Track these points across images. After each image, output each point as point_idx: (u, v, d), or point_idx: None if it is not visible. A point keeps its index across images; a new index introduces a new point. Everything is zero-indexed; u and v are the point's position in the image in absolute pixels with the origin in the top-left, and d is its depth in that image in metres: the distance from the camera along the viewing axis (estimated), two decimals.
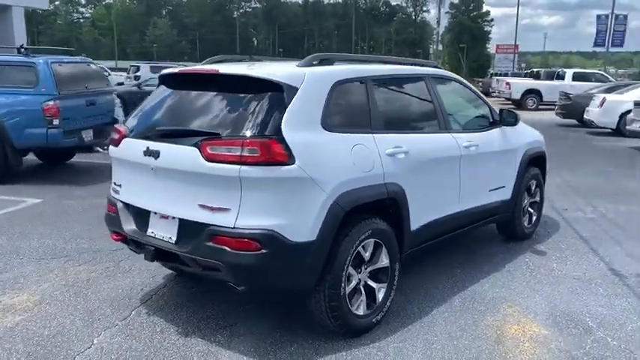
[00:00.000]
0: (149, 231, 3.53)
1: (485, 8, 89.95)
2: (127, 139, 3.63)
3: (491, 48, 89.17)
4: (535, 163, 5.57)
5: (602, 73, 26.21)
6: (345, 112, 3.58)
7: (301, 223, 3.12)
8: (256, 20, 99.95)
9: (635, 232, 6.00)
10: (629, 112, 14.39)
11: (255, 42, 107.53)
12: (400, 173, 3.67)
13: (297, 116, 3.19)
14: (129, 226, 3.63)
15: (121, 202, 3.71)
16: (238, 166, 3.02)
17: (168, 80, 3.84)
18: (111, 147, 3.80)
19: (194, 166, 3.16)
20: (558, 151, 10.76)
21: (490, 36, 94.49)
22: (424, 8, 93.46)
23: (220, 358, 3.29)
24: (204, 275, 3.40)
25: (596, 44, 36.28)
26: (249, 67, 3.61)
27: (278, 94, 3.22)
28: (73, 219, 6.17)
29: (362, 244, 3.44)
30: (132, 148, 3.55)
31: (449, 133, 4.37)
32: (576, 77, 24.01)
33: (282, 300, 3.98)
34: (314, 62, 3.57)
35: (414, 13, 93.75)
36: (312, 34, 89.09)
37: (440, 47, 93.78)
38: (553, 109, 23.24)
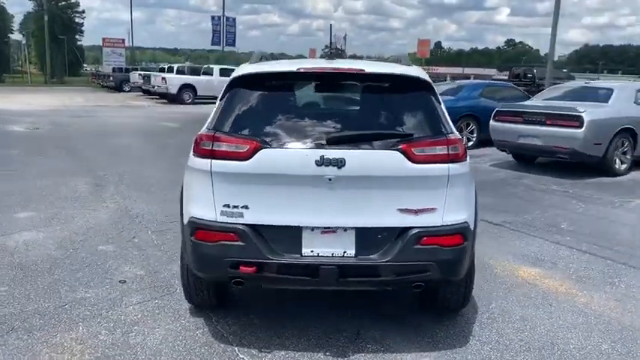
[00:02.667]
0: (305, 251, 3.10)
1: None
2: (267, 150, 3.03)
3: (83, 40, 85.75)
4: None
5: None
6: None
7: (472, 212, 3.39)
8: None
9: None
10: None
11: None
12: None
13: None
14: (269, 252, 3.08)
15: (248, 225, 3.09)
16: (447, 165, 3.10)
17: (273, 79, 3.33)
18: (223, 162, 3.08)
19: (397, 170, 3.03)
20: None
21: (83, 28, 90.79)
22: None
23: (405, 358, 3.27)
24: (392, 282, 3.22)
25: (213, 43, 39.81)
26: (380, 65, 3.52)
27: (429, 93, 3.35)
28: None
29: None
30: (288, 159, 3.02)
31: None
32: (222, 73, 26.22)
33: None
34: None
35: None
36: None
37: (22, 38, 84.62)
38: (207, 103, 24.99)
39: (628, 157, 9.16)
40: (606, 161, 8.83)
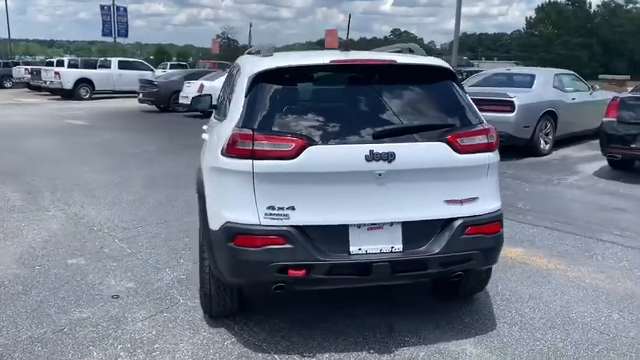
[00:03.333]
0: (354, 249, 3.02)
1: None
2: (314, 147, 2.89)
3: None
4: None
5: (141, 61, 27.87)
6: None
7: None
8: None
9: None
10: None
11: None
12: None
13: None
14: (318, 253, 2.96)
15: (294, 227, 2.94)
16: (487, 154, 3.15)
17: (303, 72, 3.18)
18: (267, 162, 2.89)
19: (444, 162, 3.03)
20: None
21: None
22: None
23: (451, 349, 3.30)
24: (437, 274, 3.21)
25: (103, 34, 37.51)
26: (403, 55, 3.47)
27: (456, 83, 3.37)
28: None
29: None
30: (336, 155, 2.90)
31: None
32: (122, 66, 24.86)
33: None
34: None
35: None
36: None
37: None
38: (107, 98, 23.61)
39: (550, 137, 9.87)
40: (533, 143, 9.46)
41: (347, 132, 3.00)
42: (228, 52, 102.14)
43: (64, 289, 4.09)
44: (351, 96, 3.16)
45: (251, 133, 2.93)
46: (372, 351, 3.26)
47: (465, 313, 3.73)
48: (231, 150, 2.96)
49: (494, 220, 3.21)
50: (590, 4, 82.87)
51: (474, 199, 3.14)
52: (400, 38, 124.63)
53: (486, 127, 3.19)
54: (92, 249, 4.97)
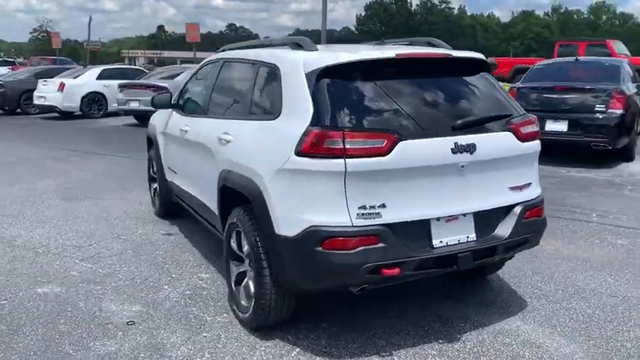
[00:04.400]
0: (436, 242, 3.03)
1: None
2: (405, 142, 2.83)
3: None
4: None
5: None
6: None
7: None
8: None
9: None
10: (90, 94, 15.37)
11: None
12: None
13: None
14: (407, 250, 2.92)
15: (386, 225, 2.87)
16: (537, 141, 3.37)
17: (369, 67, 3.08)
18: (360, 160, 2.77)
19: (511, 150, 3.18)
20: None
21: None
22: None
23: (506, 328, 3.47)
24: (491, 261, 3.34)
25: None
26: (446, 49, 3.51)
27: (492, 75, 3.54)
28: None
29: None
30: (426, 149, 2.88)
31: None
32: None
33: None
34: None
35: None
36: None
37: None
38: None
39: None
40: None
41: (427, 125, 2.99)
42: (48, 46, 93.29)
43: (62, 322, 3.52)
44: (417, 89, 3.15)
45: (341, 130, 2.79)
46: (440, 341, 3.30)
47: (493, 294, 3.94)
48: (317, 149, 2.79)
49: (540, 204, 3.43)
50: (410, 3, 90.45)
51: (529, 184, 3.34)
52: (237, 33, 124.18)
53: (532, 116, 3.40)
54: (57, 274, 4.32)
